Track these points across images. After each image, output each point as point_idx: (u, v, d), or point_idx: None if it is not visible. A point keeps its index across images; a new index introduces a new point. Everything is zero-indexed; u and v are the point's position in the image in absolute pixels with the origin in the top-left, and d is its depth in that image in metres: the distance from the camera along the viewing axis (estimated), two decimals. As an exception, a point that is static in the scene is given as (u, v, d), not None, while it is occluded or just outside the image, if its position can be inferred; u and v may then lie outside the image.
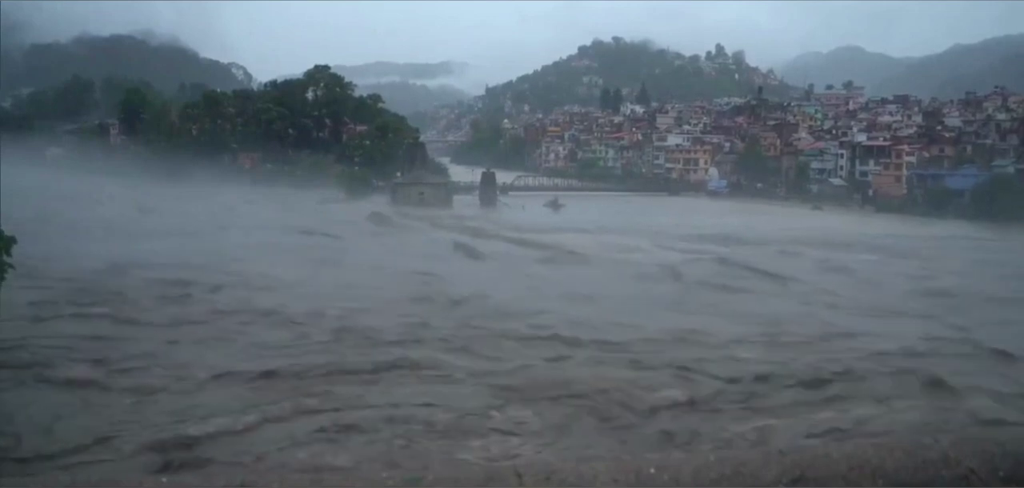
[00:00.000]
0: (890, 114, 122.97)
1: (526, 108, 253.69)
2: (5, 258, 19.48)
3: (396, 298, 27.40)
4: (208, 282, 28.81)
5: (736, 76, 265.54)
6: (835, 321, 26.69)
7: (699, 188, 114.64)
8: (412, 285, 30.91)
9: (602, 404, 15.53)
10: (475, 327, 22.89)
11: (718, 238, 55.76)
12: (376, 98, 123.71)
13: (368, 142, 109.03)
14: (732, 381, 17.49)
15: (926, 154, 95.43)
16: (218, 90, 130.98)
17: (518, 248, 48.42)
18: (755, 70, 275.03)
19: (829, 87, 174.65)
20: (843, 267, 42.17)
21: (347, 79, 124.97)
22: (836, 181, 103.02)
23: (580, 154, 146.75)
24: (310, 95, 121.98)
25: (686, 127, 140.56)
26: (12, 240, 20.27)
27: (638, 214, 78.10)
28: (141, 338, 20.03)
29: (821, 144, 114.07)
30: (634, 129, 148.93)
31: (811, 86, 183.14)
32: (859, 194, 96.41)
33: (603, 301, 28.62)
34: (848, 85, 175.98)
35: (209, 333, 21.30)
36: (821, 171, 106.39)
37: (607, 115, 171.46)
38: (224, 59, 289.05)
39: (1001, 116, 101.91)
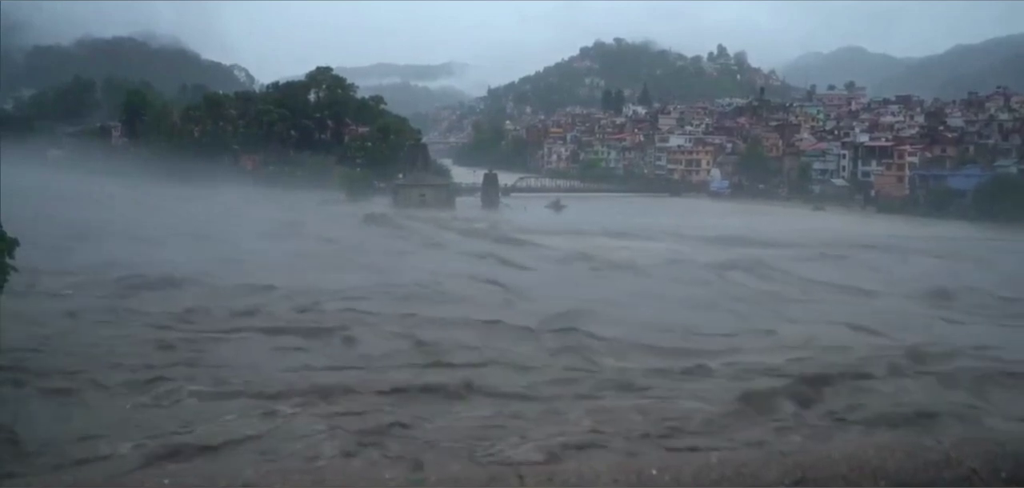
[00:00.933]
0: (892, 114, 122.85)
1: (528, 109, 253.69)
2: (8, 260, 19.53)
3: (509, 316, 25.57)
4: (295, 295, 27.55)
5: (738, 77, 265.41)
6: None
7: (701, 189, 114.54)
8: (497, 297, 30.05)
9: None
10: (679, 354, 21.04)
11: (746, 241, 55.19)
12: (378, 99, 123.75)
13: (370, 144, 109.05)
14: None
15: (928, 154, 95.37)
16: (220, 92, 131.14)
17: (556, 254, 47.00)
18: (757, 71, 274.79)
19: (831, 87, 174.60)
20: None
21: (349, 80, 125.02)
22: (838, 182, 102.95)
23: (582, 155, 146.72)
24: (312, 96, 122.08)
25: (688, 128, 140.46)
26: (15, 242, 20.32)
27: (646, 215, 77.33)
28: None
29: (823, 145, 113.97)
30: (636, 130, 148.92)
31: (813, 86, 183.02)
32: (861, 195, 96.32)
33: (725, 314, 27.56)
34: (850, 85, 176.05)
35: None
36: (823, 172, 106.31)
37: (609, 116, 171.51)
38: (226, 61, 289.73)
39: (1003, 116, 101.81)
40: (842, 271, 41.00)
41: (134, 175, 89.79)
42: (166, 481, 2.25)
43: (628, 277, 38.04)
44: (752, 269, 39.83)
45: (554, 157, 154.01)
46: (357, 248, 46.29)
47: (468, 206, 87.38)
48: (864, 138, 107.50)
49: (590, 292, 31.18)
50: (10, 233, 16.76)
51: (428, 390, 15.85)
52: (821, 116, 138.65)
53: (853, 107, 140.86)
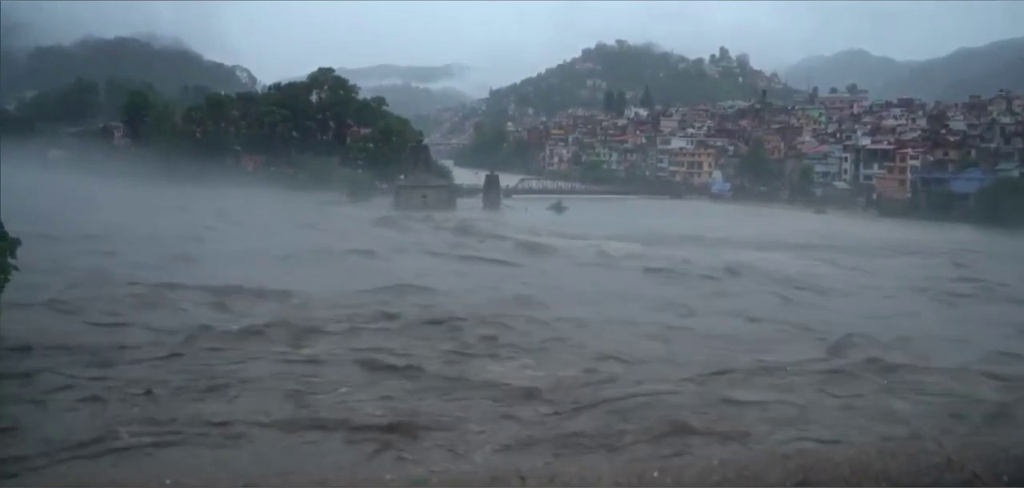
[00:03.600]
0: (894, 117, 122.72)
1: (529, 111, 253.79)
2: (9, 260, 19.56)
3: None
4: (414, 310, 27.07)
5: (740, 79, 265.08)
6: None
7: (702, 191, 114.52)
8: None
9: None
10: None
11: (783, 245, 55.28)
12: (380, 101, 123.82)
13: (372, 145, 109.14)
14: None
15: (930, 157, 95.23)
16: (221, 92, 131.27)
17: (584, 259, 46.34)
18: (759, 73, 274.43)
19: (833, 90, 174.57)
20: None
21: (350, 82, 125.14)
22: (840, 184, 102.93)
23: (584, 157, 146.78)
24: (314, 98, 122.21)
25: (690, 130, 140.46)
26: (16, 242, 20.37)
27: (654, 217, 77.17)
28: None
29: (825, 147, 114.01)
30: (638, 132, 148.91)
31: (815, 89, 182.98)
32: (863, 197, 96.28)
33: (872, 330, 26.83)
34: (852, 88, 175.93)
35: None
36: (825, 174, 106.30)
37: (611, 118, 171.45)
38: (228, 61, 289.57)
39: (1006, 119, 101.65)
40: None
41: (136, 176, 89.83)
42: (168, 481, 2.25)
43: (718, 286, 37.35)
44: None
45: (556, 159, 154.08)
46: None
47: (469, 207, 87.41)
48: (866, 141, 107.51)
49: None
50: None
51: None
52: (823, 119, 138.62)
53: (855, 110, 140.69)
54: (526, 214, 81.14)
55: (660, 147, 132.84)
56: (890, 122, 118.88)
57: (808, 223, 78.42)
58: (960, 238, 66.64)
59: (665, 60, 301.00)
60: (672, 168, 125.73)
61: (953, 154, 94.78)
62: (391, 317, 25.60)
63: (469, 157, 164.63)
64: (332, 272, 36.36)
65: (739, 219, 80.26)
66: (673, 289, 35.65)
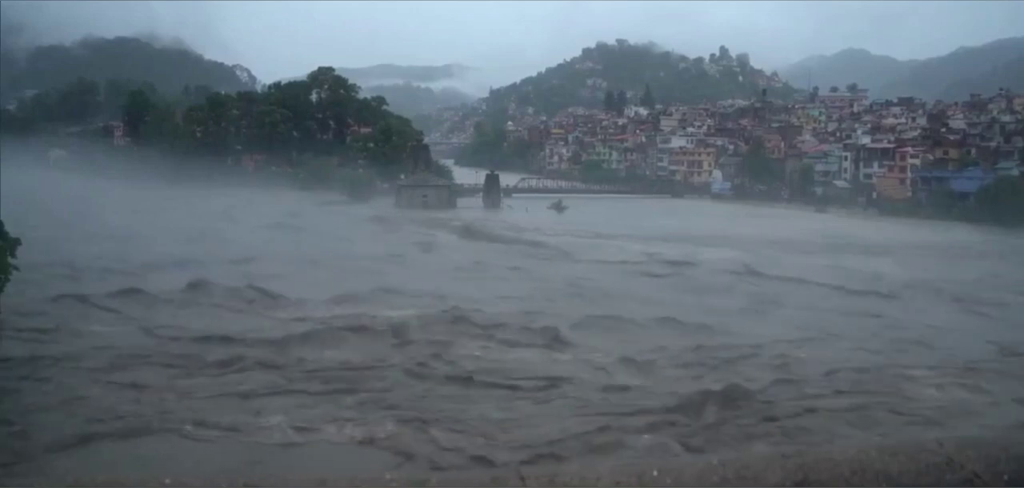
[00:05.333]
0: (894, 117, 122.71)
1: (530, 110, 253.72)
2: (9, 260, 19.56)
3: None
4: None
5: (740, 78, 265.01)
6: None
7: (702, 190, 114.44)
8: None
9: None
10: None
11: (805, 247, 54.66)
12: (380, 100, 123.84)
13: (372, 144, 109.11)
14: None
15: (930, 156, 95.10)
16: (222, 92, 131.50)
17: (622, 262, 45.21)
18: (759, 72, 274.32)
19: (833, 89, 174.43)
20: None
21: (351, 81, 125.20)
22: (840, 183, 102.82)
23: (584, 156, 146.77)
24: (314, 97, 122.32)
25: (690, 129, 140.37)
26: (17, 242, 20.36)
27: (663, 217, 77.20)
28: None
29: (825, 146, 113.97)
30: (638, 131, 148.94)
31: (815, 88, 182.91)
32: (863, 197, 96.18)
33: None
34: (852, 87, 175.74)
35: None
36: (825, 173, 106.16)
37: (611, 117, 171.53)
38: (228, 61, 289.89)
39: (1006, 118, 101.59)
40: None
41: (137, 176, 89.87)
42: (167, 481, 2.24)
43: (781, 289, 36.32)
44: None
45: (556, 158, 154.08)
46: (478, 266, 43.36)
47: (469, 206, 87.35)
48: (866, 140, 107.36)
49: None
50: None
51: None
52: (823, 118, 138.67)
53: (855, 109, 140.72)
54: (526, 213, 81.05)
55: (660, 146, 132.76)
56: (890, 121, 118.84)
57: (812, 222, 78.12)
58: (971, 238, 66.51)
59: (665, 59, 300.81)
60: (672, 167, 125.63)
61: (953, 153, 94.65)
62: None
63: (469, 156, 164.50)
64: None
65: (747, 219, 79.79)
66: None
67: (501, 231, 62.60)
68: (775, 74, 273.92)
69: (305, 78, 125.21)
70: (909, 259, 49.16)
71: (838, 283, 37.61)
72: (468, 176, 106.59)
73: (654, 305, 30.79)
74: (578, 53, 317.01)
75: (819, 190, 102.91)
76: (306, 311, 27.51)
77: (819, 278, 39.02)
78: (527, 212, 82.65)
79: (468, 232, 61.81)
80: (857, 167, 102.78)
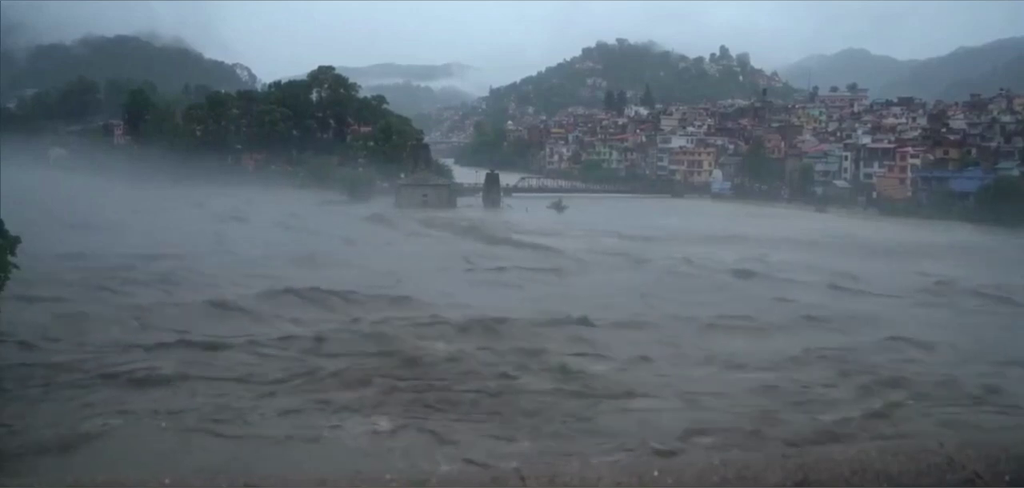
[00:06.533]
0: (894, 116, 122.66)
1: (530, 110, 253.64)
2: (9, 258, 19.56)
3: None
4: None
5: (740, 78, 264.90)
6: None
7: (702, 190, 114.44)
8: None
9: None
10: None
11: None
12: (380, 99, 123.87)
13: (372, 143, 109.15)
14: None
15: (931, 156, 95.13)
16: (222, 91, 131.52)
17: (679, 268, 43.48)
18: (759, 72, 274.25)
19: (833, 89, 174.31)
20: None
21: (351, 80, 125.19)
22: (840, 183, 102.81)
23: (584, 156, 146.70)
24: (314, 96, 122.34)
25: (690, 129, 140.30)
26: (17, 240, 20.37)
27: (667, 217, 77.05)
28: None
29: (825, 146, 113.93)
30: (638, 131, 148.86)
31: (815, 88, 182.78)
32: (863, 196, 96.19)
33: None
34: (852, 87, 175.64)
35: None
36: (825, 173, 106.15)
37: (611, 117, 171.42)
38: (228, 60, 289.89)
39: (1006, 118, 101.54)
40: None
41: (137, 175, 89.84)
42: (167, 480, 2.24)
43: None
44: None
45: (556, 157, 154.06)
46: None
47: (469, 206, 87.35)
48: (866, 140, 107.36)
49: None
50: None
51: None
52: (823, 118, 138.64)
53: (855, 109, 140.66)
54: (526, 213, 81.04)
55: (660, 146, 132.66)
56: (890, 121, 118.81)
57: (813, 222, 77.96)
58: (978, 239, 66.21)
59: (665, 59, 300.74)
60: (672, 167, 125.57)
61: (953, 153, 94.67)
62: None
63: (469, 156, 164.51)
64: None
65: (751, 219, 79.51)
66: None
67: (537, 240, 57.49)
68: (775, 74, 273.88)
69: (305, 77, 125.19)
70: (960, 262, 48.19)
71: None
72: (468, 175, 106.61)
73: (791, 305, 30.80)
74: (578, 53, 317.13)
75: (819, 190, 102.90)
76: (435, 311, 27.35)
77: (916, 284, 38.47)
78: (527, 212, 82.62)
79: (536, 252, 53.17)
80: (857, 167, 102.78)
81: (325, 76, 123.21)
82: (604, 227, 64.61)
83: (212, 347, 21.30)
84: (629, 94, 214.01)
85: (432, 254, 47.78)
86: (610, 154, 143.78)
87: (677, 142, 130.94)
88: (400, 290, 31.69)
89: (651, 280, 37.98)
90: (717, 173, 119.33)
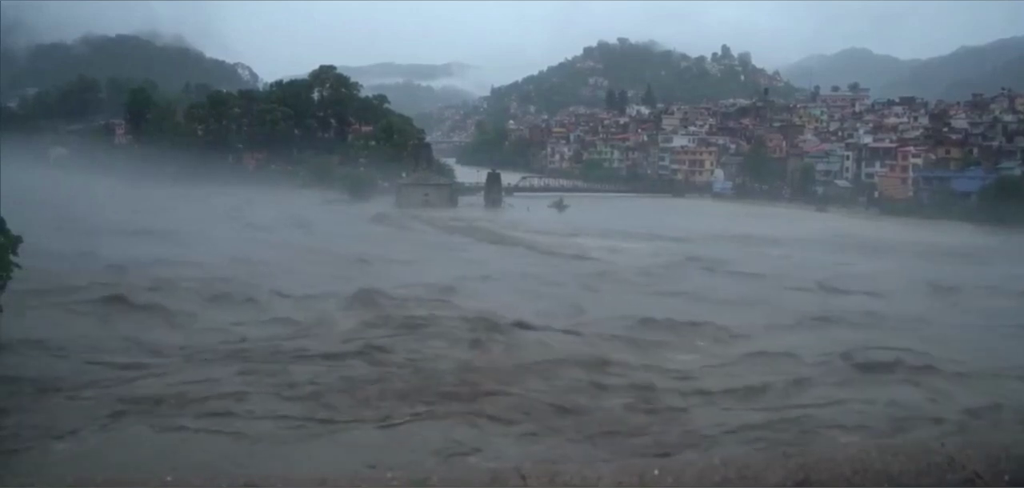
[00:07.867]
0: (896, 116, 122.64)
1: (531, 109, 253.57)
2: (11, 257, 19.59)
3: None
4: None
5: (742, 78, 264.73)
6: None
7: (704, 189, 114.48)
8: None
9: None
10: None
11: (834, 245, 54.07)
12: (381, 99, 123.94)
13: (373, 143, 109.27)
14: None
15: (932, 156, 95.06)
16: (223, 90, 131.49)
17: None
18: (761, 71, 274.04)
19: (835, 89, 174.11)
20: None
21: (352, 80, 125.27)
22: (841, 183, 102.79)
23: (585, 155, 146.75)
24: (315, 95, 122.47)
25: (691, 128, 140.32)
26: (18, 239, 20.40)
27: (673, 216, 76.99)
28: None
29: (826, 146, 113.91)
30: (639, 130, 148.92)
31: (817, 88, 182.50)
32: (864, 196, 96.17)
33: None
34: (854, 87, 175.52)
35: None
36: (826, 173, 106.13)
37: (612, 116, 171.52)
38: (229, 59, 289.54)
39: (1008, 118, 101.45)
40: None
41: (138, 174, 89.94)
42: (168, 478, 2.24)
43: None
44: None
45: (557, 157, 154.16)
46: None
47: (471, 205, 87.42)
48: (868, 139, 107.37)
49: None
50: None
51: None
52: (825, 117, 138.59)
53: (857, 108, 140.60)
54: (528, 212, 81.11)
55: (662, 145, 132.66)
56: (892, 121, 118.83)
57: (815, 223, 77.83)
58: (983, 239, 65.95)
59: (667, 58, 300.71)
60: (674, 166, 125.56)
61: (955, 153, 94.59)
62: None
63: (470, 155, 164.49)
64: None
65: (759, 219, 79.20)
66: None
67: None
68: (776, 73, 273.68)
69: (306, 77, 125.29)
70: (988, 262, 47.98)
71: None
72: (469, 175, 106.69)
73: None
74: (579, 52, 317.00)
75: (820, 189, 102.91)
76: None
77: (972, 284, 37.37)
78: (528, 211, 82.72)
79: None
80: (858, 166, 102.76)
81: (326, 75, 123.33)
82: (622, 228, 62.55)
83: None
84: (630, 93, 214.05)
85: (511, 267, 41.31)
86: (611, 154, 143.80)
87: (678, 142, 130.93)
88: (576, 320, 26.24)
89: (751, 290, 34.60)
90: (718, 173, 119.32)
